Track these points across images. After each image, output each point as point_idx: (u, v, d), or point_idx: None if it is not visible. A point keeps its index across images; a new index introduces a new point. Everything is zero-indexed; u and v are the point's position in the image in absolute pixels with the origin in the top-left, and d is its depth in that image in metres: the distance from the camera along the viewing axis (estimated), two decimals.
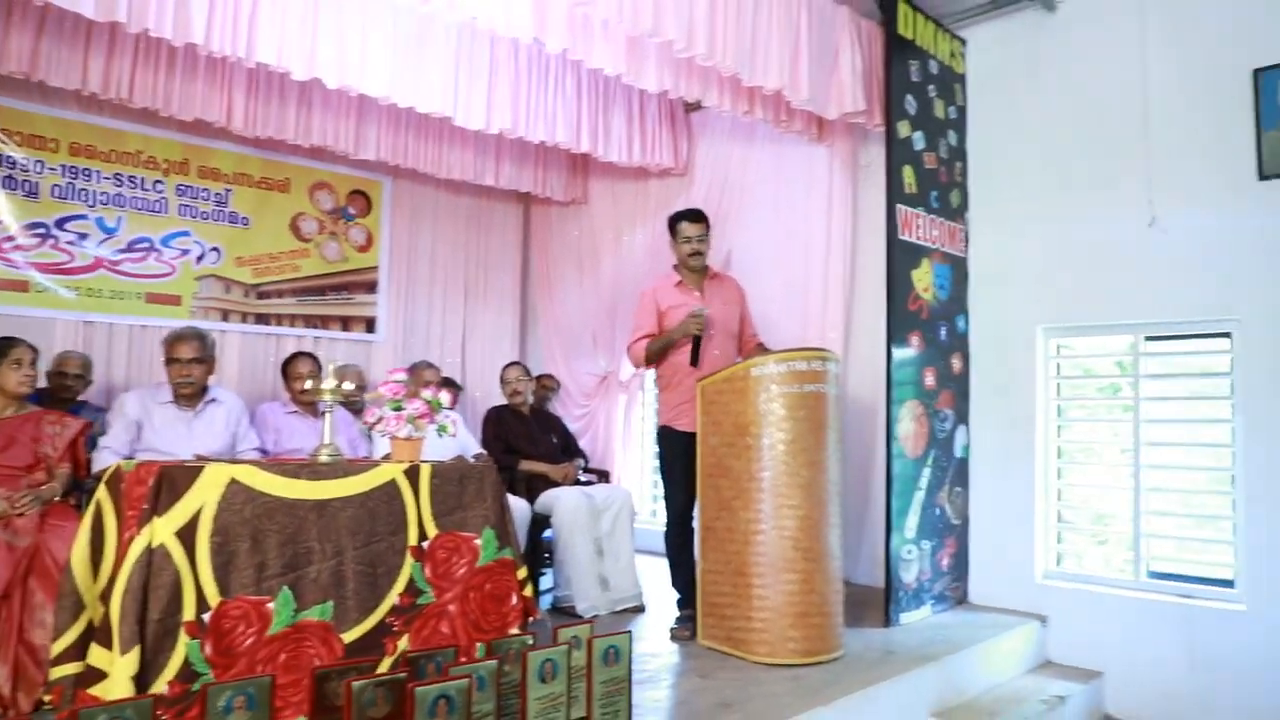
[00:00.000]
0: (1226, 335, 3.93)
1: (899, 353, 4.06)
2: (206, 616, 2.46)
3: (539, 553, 4.43)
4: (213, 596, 2.49)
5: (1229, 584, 3.86)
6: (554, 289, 6.68)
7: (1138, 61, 4.17)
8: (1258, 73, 3.85)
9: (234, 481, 2.63)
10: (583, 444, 5.65)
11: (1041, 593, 4.28)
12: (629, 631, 2.61)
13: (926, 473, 4.18)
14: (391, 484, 2.96)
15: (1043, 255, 4.40)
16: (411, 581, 2.92)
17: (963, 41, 4.73)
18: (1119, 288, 4.16)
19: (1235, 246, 3.86)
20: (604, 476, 5.37)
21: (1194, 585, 3.96)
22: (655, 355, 3.93)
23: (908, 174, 4.24)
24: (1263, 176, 3.82)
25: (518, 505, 4.23)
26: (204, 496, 2.55)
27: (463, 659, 2.52)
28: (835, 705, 2.96)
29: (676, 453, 3.84)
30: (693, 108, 5.64)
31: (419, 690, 1.97)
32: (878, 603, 4.04)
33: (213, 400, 3.91)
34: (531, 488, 4.47)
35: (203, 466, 2.58)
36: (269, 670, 2.48)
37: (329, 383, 3.11)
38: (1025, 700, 3.64)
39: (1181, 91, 4.05)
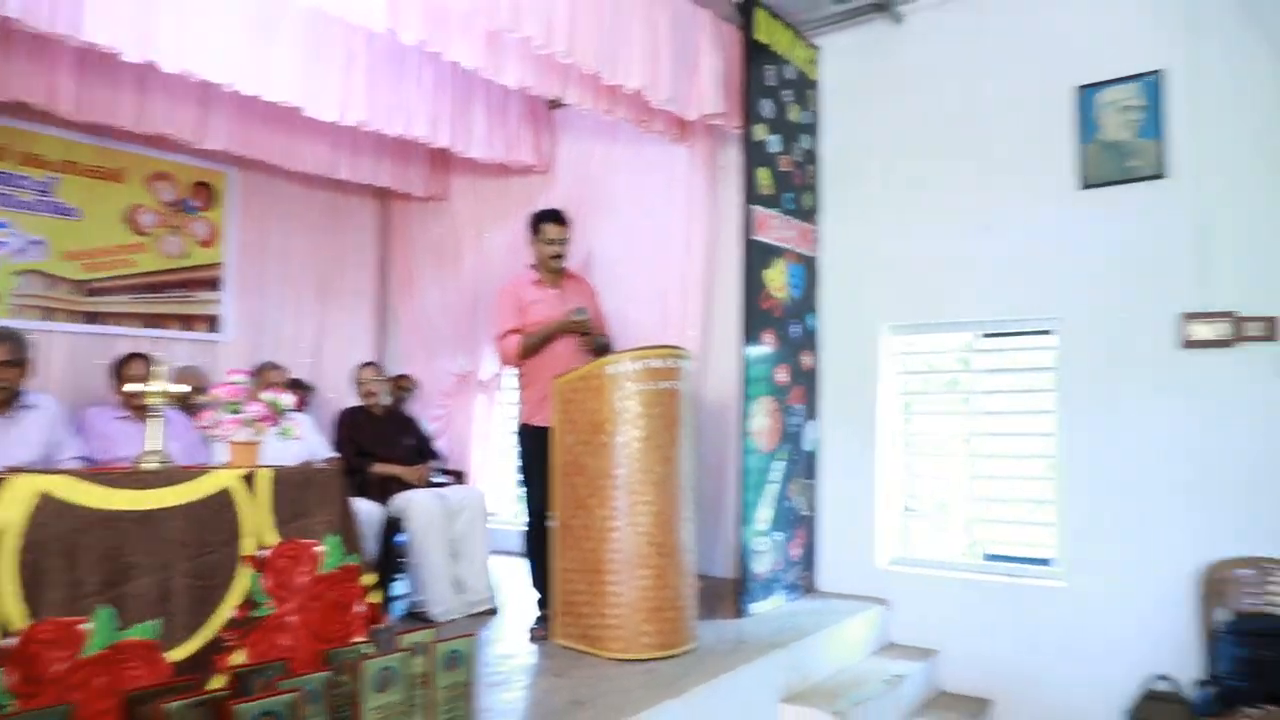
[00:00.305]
0: (1050, 333, 4.22)
1: (753, 350, 4.17)
2: (10, 643, 2.27)
3: (392, 557, 4.31)
4: (18, 620, 2.30)
5: (1052, 563, 4.16)
6: (414, 287, 6.52)
7: (974, 75, 4.43)
8: (1079, 90, 4.14)
9: (44, 494, 2.43)
10: (441, 444, 5.55)
11: (886, 578, 4.49)
12: (472, 635, 2.57)
13: (779, 467, 4.31)
14: (225, 492, 2.81)
15: (888, 256, 4.60)
16: (248, 593, 2.79)
17: (817, 49, 4.88)
18: (957, 288, 4.41)
19: (1058, 250, 4.15)
20: (459, 477, 5.27)
21: (1022, 565, 4.25)
22: (532, 350, 3.90)
23: (763, 176, 4.35)
24: (1084, 186, 4.12)
25: (370, 509, 4.12)
26: (7, 512, 2.35)
27: (303, 671, 2.42)
28: (685, 696, 3.01)
29: (536, 450, 3.82)
30: (556, 105, 5.61)
31: (240, 708, 1.88)
32: (733, 594, 4.13)
33: (27, 406, 3.62)
34: (385, 490, 4.35)
35: (4, 479, 2.38)
36: (83, 697, 2.31)
37: (155, 385, 2.92)
38: (868, 681, 3.81)
39: (1013, 105, 4.32)
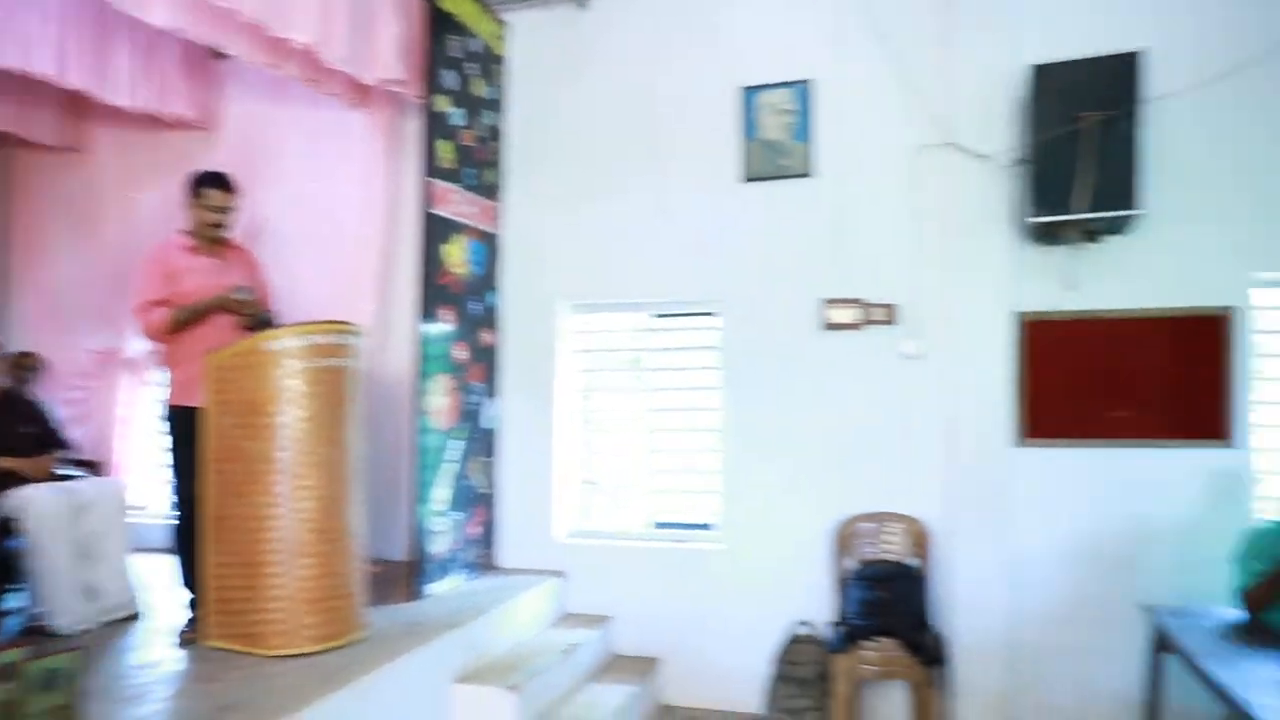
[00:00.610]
0: (715, 314, 4.54)
1: (430, 328, 4.07)
2: None
3: (7, 565, 3.69)
4: None
5: (714, 528, 4.50)
6: (41, 250, 5.62)
7: (653, 65, 4.64)
8: (743, 90, 4.47)
9: None
10: (77, 432, 4.85)
11: (564, 551, 4.62)
12: (77, 649, 2.26)
13: (457, 445, 4.26)
14: None
15: (570, 236, 4.70)
16: None
17: (505, 24, 4.84)
18: (633, 270, 4.60)
19: (723, 239, 4.47)
20: (94, 468, 4.62)
21: (688, 532, 4.56)
22: (182, 325, 3.52)
23: (444, 149, 4.24)
24: (746, 179, 4.46)
25: None
26: None
27: None
28: (352, 687, 2.89)
29: (186, 435, 3.45)
30: (220, 55, 5.08)
31: None
32: (409, 577, 4.02)
33: None
34: None
35: None
36: None
37: None
38: (544, 652, 3.90)
39: (687, 98, 4.57)
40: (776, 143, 4.43)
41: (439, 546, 4.10)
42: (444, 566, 4.14)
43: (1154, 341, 3.93)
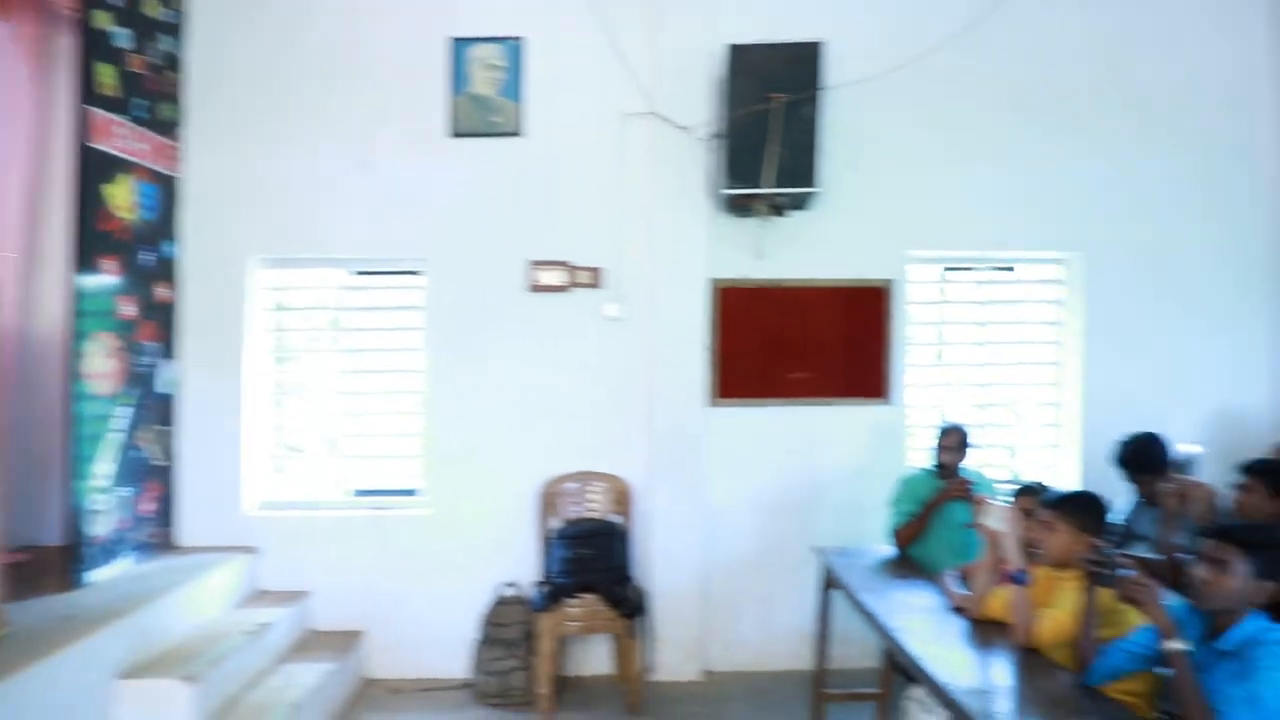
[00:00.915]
0: (420, 273, 4.38)
1: (88, 280, 3.56)
2: None
3: None
4: None
5: (418, 493, 4.38)
6: None
7: (357, 5, 4.32)
8: (453, 41, 4.31)
9: None
10: None
11: (255, 525, 4.29)
12: None
13: (124, 413, 3.78)
14: None
15: (262, 184, 4.32)
16: None
17: None
18: (331, 223, 4.32)
19: (429, 194, 4.32)
20: None
21: (390, 498, 4.40)
22: None
23: (105, 73, 3.70)
24: (453, 134, 4.32)
25: None
26: None
27: None
28: None
29: None
30: None
31: None
32: (65, 563, 3.53)
33: None
34: None
35: None
36: None
37: None
38: (227, 635, 3.60)
39: (394, 43, 4.34)
40: (486, 99, 4.33)
41: (101, 527, 3.62)
42: (108, 549, 3.67)
43: (829, 309, 4.35)
